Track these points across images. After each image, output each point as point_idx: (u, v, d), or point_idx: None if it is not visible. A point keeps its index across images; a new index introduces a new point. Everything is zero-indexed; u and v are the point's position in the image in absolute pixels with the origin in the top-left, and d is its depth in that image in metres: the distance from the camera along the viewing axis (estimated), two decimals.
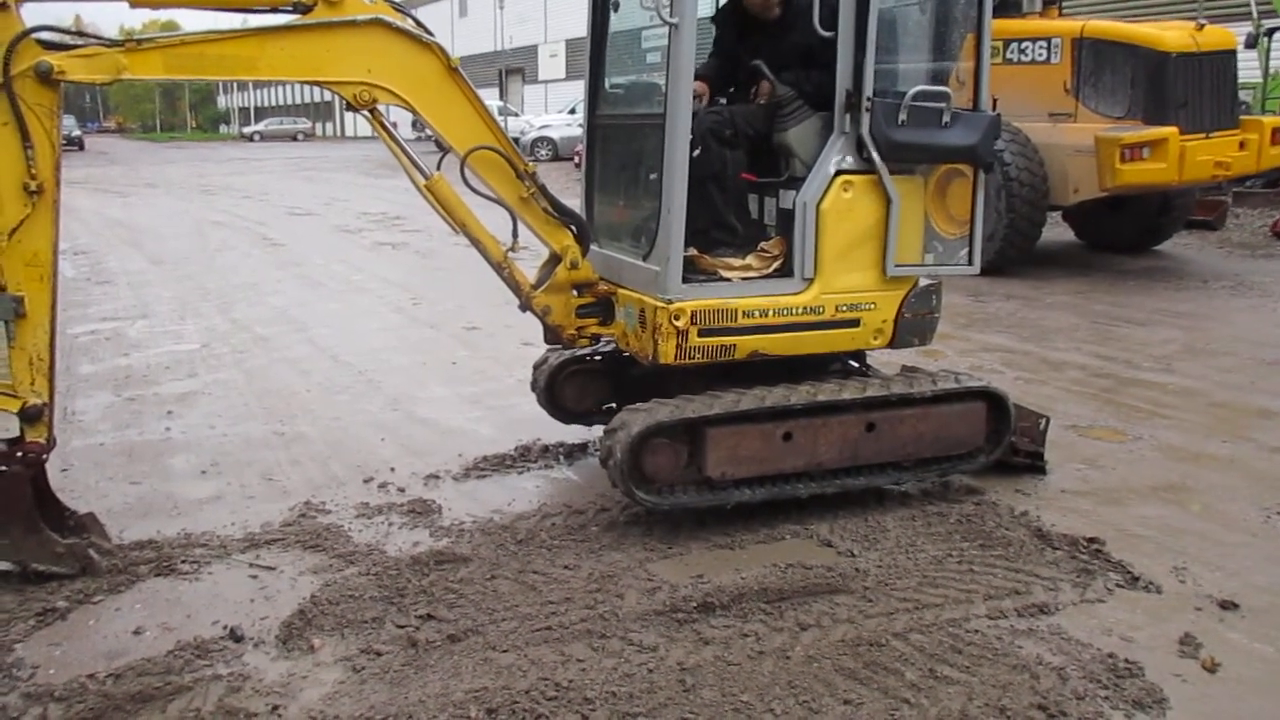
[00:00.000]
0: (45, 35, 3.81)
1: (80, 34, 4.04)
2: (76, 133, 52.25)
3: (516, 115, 39.33)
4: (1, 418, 4.21)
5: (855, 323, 4.73)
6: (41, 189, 3.82)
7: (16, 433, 4.04)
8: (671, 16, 4.23)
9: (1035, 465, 5.26)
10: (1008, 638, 3.65)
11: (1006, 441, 5.03)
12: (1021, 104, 10.41)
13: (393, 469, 5.40)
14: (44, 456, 4.08)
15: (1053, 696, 3.27)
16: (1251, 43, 14.03)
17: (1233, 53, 11.03)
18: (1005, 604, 3.89)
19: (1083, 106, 10.72)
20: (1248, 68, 13.00)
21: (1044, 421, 5.30)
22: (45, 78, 3.76)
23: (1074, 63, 10.73)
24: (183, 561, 4.28)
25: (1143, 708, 3.24)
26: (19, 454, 3.99)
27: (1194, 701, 3.30)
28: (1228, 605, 3.89)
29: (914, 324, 4.86)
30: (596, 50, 5.30)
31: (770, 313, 4.57)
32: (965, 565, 4.22)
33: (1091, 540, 4.41)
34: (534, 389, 5.57)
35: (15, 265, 3.86)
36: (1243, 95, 12.70)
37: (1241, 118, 11.09)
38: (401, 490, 5.11)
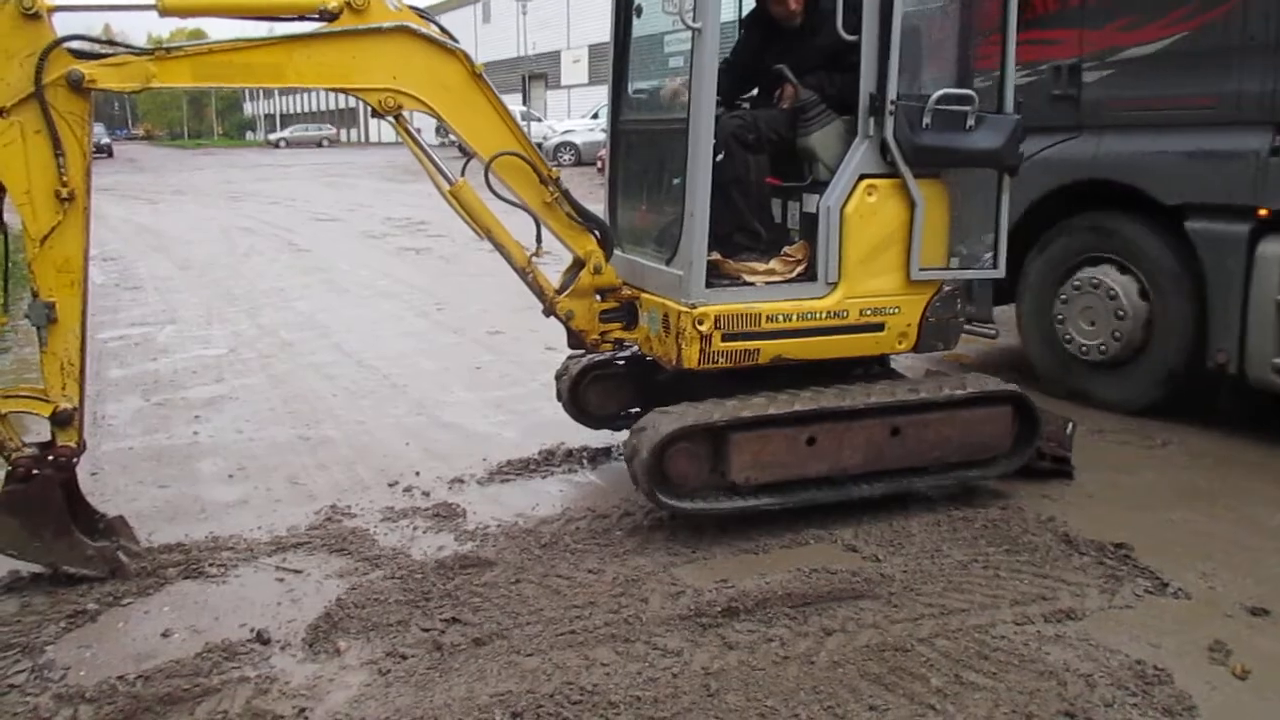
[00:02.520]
0: (76, 44, 3.86)
1: (110, 43, 4.09)
2: (105, 140, 52.94)
3: (539, 120, 39.47)
4: (33, 422, 4.27)
5: (879, 327, 4.72)
6: (72, 196, 3.87)
7: (48, 437, 4.10)
8: (695, 21, 4.24)
9: (1062, 469, 5.22)
10: (1034, 644, 3.62)
11: (1033, 446, 4.99)
12: None
13: (417, 473, 5.43)
14: (74, 460, 4.13)
15: (1080, 703, 3.24)
16: None
17: None
18: (1032, 610, 3.87)
19: None
20: None
21: (1070, 425, 5.26)
22: (76, 86, 3.81)
23: None
24: (210, 564, 4.31)
25: (1172, 715, 3.21)
26: (50, 458, 4.05)
27: (1224, 709, 3.27)
28: (1258, 611, 3.85)
29: (938, 328, 4.84)
30: (619, 55, 5.31)
31: (794, 317, 4.56)
32: (991, 570, 4.19)
33: (1119, 545, 4.37)
34: (558, 384, 5.58)
35: (47, 271, 3.91)
36: None
37: None
38: (426, 494, 5.14)
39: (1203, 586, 4.07)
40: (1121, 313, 6.09)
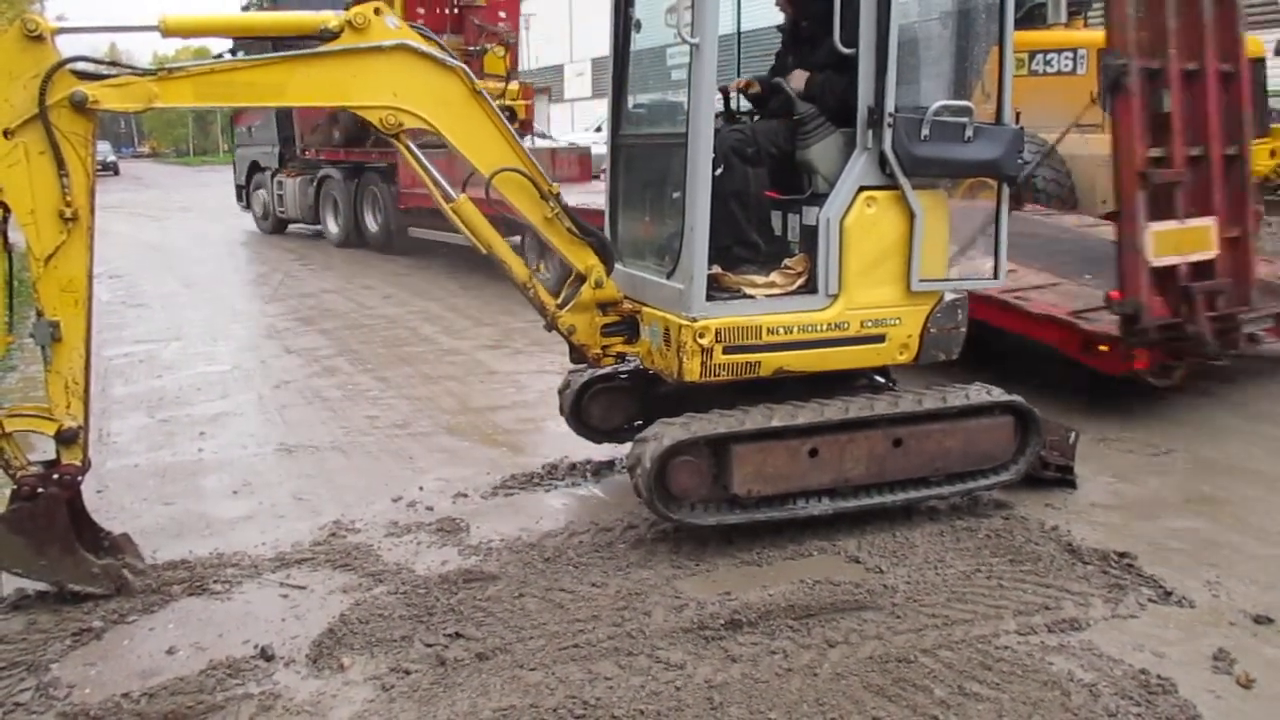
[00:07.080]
0: (80, 65, 3.89)
1: (114, 64, 4.13)
2: (112, 158, 53.00)
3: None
4: (39, 440, 4.29)
5: (880, 338, 4.72)
6: (76, 216, 3.90)
7: (53, 455, 4.12)
8: (692, 36, 4.26)
9: (1065, 479, 5.22)
10: (1038, 654, 3.62)
11: (1035, 455, 4.99)
12: (1048, 115, 10.34)
13: (421, 487, 5.44)
14: (79, 478, 4.15)
15: (1084, 713, 3.24)
16: None
17: (1261, 60, 10.92)
18: (1035, 620, 3.86)
19: (1110, 117, 10.64)
20: (1277, 75, 12.87)
21: (1073, 434, 5.26)
22: (80, 107, 3.84)
23: (1100, 73, 10.66)
24: (215, 581, 4.33)
25: None
26: (55, 476, 4.07)
27: (1228, 718, 3.26)
28: (1262, 620, 3.85)
29: (939, 338, 4.85)
30: (619, 69, 5.33)
31: (795, 329, 4.57)
32: (994, 581, 4.19)
33: (1123, 555, 4.37)
34: (561, 403, 5.59)
35: (51, 291, 3.94)
36: (1273, 103, 12.56)
37: (1272, 125, 10.98)
38: (430, 509, 5.15)
39: (1207, 595, 4.06)
40: None
